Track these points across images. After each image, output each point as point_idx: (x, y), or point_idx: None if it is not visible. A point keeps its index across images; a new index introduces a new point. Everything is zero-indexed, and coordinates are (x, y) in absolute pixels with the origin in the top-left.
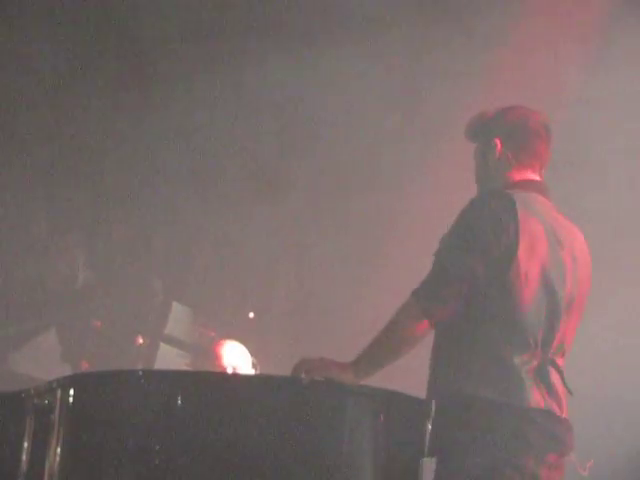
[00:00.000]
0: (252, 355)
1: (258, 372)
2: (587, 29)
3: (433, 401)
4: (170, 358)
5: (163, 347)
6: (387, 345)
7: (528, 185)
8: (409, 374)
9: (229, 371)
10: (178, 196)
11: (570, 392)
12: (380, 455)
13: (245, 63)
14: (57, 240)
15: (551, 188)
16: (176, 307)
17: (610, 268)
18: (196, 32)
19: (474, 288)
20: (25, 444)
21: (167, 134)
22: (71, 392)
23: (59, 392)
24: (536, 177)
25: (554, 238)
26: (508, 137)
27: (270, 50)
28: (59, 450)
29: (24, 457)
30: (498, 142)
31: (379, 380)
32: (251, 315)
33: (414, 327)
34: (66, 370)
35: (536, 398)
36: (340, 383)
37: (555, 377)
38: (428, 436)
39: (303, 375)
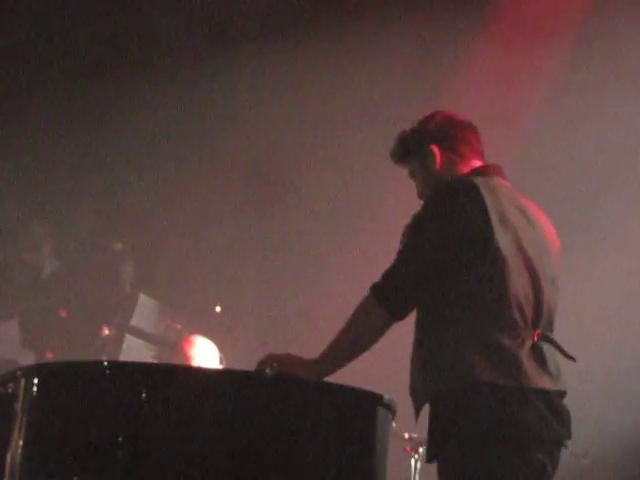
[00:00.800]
0: (218, 349)
1: (223, 366)
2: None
3: (420, 399)
4: (136, 350)
5: (129, 339)
6: (349, 340)
7: (484, 170)
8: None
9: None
10: (146, 189)
11: (573, 359)
12: (339, 452)
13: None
14: (23, 230)
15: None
16: (142, 299)
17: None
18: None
19: (454, 275)
20: None
21: (136, 125)
22: (35, 381)
23: (23, 381)
24: (484, 163)
25: (524, 217)
26: (442, 139)
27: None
28: (21, 440)
29: None
30: (434, 147)
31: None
32: (218, 309)
33: (374, 321)
34: (31, 359)
35: (535, 378)
36: (304, 378)
37: (550, 352)
38: (427, 436)
39: (268, 370)
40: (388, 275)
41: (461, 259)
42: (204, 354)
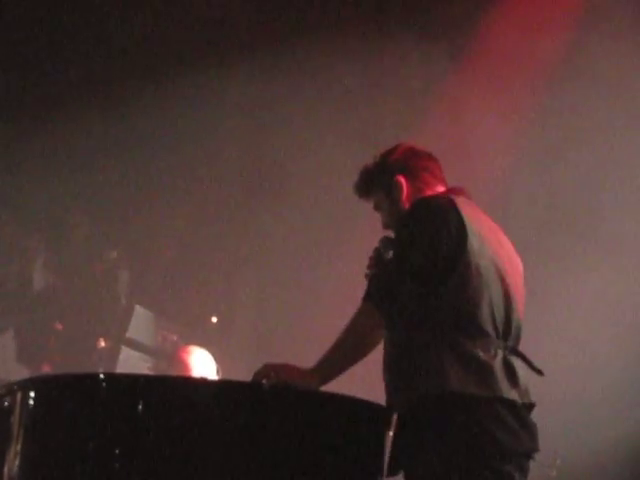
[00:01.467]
0: (215, 360)
1: (220, 377)
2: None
3: (395, 408)
4: (132, 362)
5: (125, 350)
6: (346, 348)
7: (452, 192)
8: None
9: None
10: (140, 200)
11: (541, 373)
12: (339, 462)
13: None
14: (16, 242)
15: None
16: (138, 311)
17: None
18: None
19: (428, 286)
20: None
21: (131, 136)
22: (31, 394)
23: (19, 394)
24: (448, 187)
25: (494, 235)
26: (407, 169)
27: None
28: (18, 454)
29: None
30: (400, 178)
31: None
32: (214, 320)
33: (370, 328)
34: (27, 373)
35: (506, 390)
36: (301, 388)
37: (518, 365)
38: (390, 447)
39: (265, 380)
40: (380, 282)
41: (441, 267)
42: (201, 364)
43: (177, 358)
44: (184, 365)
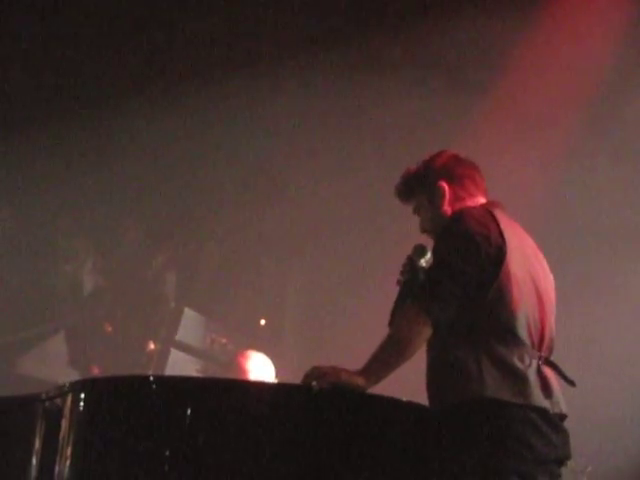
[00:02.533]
0: None
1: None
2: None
3: (436, 409)
4: (181, 364)
5: (174, 353)
6: (392, 350)
7: (491, 205)
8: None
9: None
10: (189, 203)
11: (573, 384)
12: (387, 462)
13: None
14: (65, 244)
15: None
16: (187, 313)
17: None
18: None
19: (469, 293)
20: (35, 448)
21: (175, 141)
22: (82, 396)
23: (70, 396)
24: (488, 200)
25: (529, 247)
26: (450, 176)
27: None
28: (69, 454)
29: (34, 461)
30: (444, 184)
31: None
32: (262, 322)
33: (417, 329)
34: (77, 374)
35: (540, 398)
36: (350, 390)
37: (550, 374)
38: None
39: (314, 383)
40: (426, 286)
41: (481, 277)
42: (259, 368)
43: (237, 362)
44: (242, 370)
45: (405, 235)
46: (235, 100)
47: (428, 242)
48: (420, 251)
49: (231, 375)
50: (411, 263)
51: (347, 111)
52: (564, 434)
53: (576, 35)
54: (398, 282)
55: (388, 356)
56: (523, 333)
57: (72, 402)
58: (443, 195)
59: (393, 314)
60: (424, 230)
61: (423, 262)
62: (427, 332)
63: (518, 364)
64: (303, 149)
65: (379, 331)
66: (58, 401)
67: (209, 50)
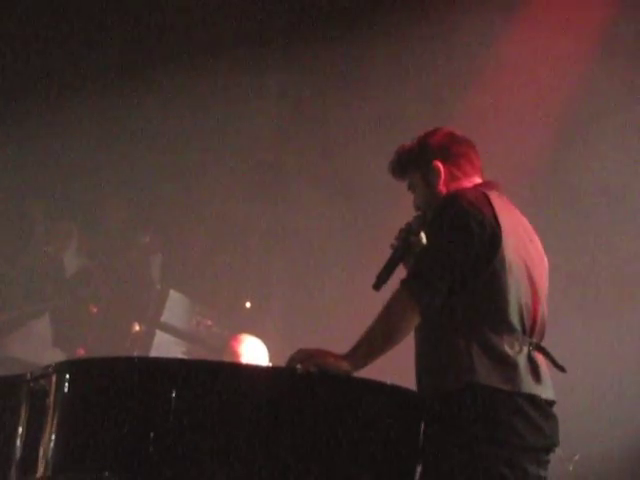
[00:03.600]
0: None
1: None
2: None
3: (423, 397)
4: (166, 346)
5: (159, 335)
6: (380, 334)
7: (486, 186)
8: (399, 369)
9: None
10: (174, 186)
11: (564, 370)
12: (375, 449)
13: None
14: (50, 227)
15: None
16: (173, 295)
17: None
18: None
19: (460, 279)
20: (20, 429)
21: (164, 123)
22: (67, 377)
23: (54, 377)
24: (484, 180)
25: (524, 231)
26: (446, 155)
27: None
28: (53, 436)
29: (18, 442)
30: (439, 163)
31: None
32: (248, 305)
33: (406, 315)
34: (62, 355)
35: (530, 385)
36: (335, 374)
37: (541, 360)
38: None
39: (299, 365)
40: (416, 270)
41: (474, 262)
42: (252, 352)
43: (229, 345)
44: (235, 353)
45: (394, 217)
46: (222, 83)
47: None
48: (420, 221)
49: (225, 358)
50: (408, 230)
51: (337, 97)
52: (553, 421)
53: (554, 33)
54: (391, 246)
55: (376, 340)
56: (515, 319)
57: (57, 383)
58: (438, 175)
59: (379, 277)
60: (417, 207)
61: (422, 235)
62: (416, 318)
63: (509, 350)
64: (292, 135)
65: (367, 313)
66: (43, 382)
67: (200, 34)
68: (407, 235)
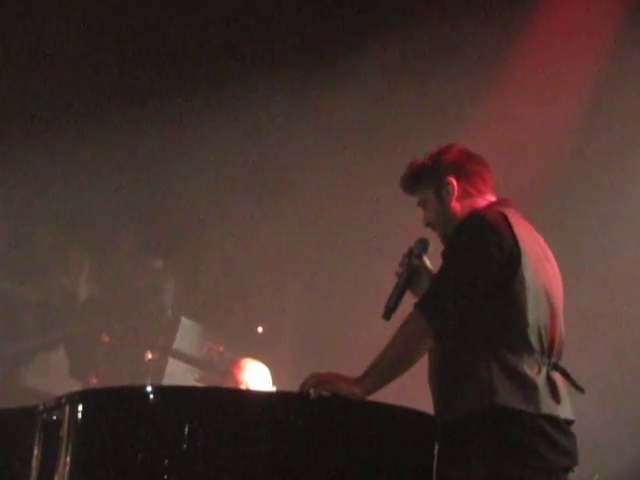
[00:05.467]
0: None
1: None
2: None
3: (442, 418)
4: (179, 373)
5: (172, 362)
6: (393, 358)
7: (502, 204)
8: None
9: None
10: (185, 212)
11: (582, 391)
12: (389, 473)
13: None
14: (60, 256)
15: None
16: (184, 322)
17: None
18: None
19: (479, 299)
20: (34, 460)
21: (176, 150)
22: (79, 408)
23: (67, 408)
24: (498, 198)
25: (541, 249)
26: (460, 172)
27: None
28: (68, 466)
29: (33, 474)
30: (453, 179)
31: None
32: (260, 330)
33: (419, 339)
34: (76, 385)
35: (550, 405)
36: (348, 398)
37: (559, 380)
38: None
39: (311, 390)
40: (431, 294)
41: (492, 284)
42: (255, 377)
43: (231, 372)
44: (238, 379)
45: (403, 242)
46: (234, 108)
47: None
48: (422, 244)
49: (228, 384)
50: (410, 255)
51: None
52: (573, 440)
53: (571, 33)
54: (396, 274)
55: (388, 364)
56: (534, 340)
57: (70, 413)
58: (452, 191)
59: (387, 306)
60: (428, 224)
61: (426, 258)
62: (429, 341)
63: (528, 371)
64: (302, 158)
65: (379, 336)
66: (56, 413)
67: (204, 53)
68: (410, 260)
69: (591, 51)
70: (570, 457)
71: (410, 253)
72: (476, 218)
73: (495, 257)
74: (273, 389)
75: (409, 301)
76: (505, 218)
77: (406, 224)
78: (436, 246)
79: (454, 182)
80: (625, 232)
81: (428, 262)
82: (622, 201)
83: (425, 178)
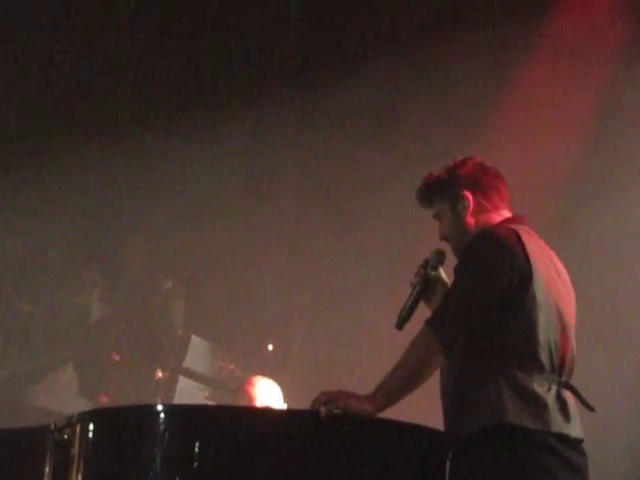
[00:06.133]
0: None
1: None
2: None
3: (452, 435)
4: (189, 392)
5: (182, 380)
6: (404, 375)
7: (516, 221)
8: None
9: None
10: (195, 231)
11: (592, 409)
12: None
13: None
14: (71, 275)
15: None
16: (195, 341)
17: None
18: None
19: (490, 317)
20: (45, 479)
21: (181, 167)
22: (90, 427)
23: (79, 427)
24: (513, 214)
25: (553, 267)
26: (475, 185)
27: None
28: None
29: None
30: (468, 193)
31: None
32: (270, 347)
33: (430, 356)
34: (86, 404)
35: (560, 424)
36: (359, 415)
37: (570, 399)
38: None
39: (322, 408)
40: (441, 311)
41: (503, 302)
42: (267, 394)
43: (242, 390)
44: (249, 396)
45: (418, 253)
46: (244, 131)
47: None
48: (438, 256)
49: (239, 402)
50: (426, 266)
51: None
52: (583, 458)
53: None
54: (410, 284)
55: (399, 381)
56: (544, 358)
57: (81, 433)
58: (467, 205)
59: (401, 316)
60: (444, 237)
61: (441, 270)
62: (440, 360)
63: (538, 389)
64: (304, 174)
65: (390, 353)
66: (67, 432)
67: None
68: (426, 272)
69: (594, 79)
70: (581, 475)
71: (426, 264)
72: (488, 235)
73: (506, 275)
74: (284, 407)
75: (423, 312)
76: (517, 235)
77: (418, 238)
78: (452, 258)
79: (470, 196)
80: (628, 249)
81: (444, 274)
82: (624, 219)
83: (441, 191)
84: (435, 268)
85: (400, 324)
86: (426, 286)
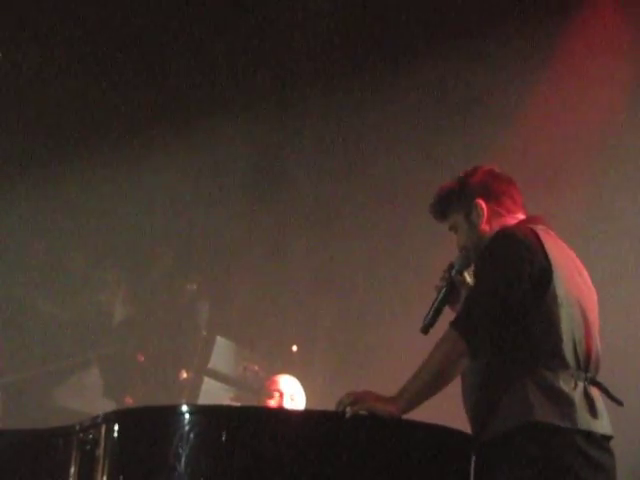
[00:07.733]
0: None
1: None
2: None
3: (479, 437)
4: (214, 392)
5: (207, 381)
6: (429, 377)
7: (532, 221)
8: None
9: (287, 402)
10: (219, 233)
11: (621, 403)
12: None
13: None
14: (95, 276)
15: None
16: (220, 341)
17: None
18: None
19: (511, 319)
20: (71, 479)
21: (206, 169)
22: (115, 427)
23: (104, 427)
24: (528, 215)
25: (573, 265)
26: (488, 193)
27: None
28: None
29: None
30: (481, 202)
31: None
32: (294, 348)
33: (455, 357)
34: (110, 404)
35: (587, 421)
36: (384, 416)
37: (597, 395)
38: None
39: (347, 409)
40: (466, 312)
41: (524, 300)
42: (290, 389)
43: (266, 388)
44: (273, 394)
45: (441, 258)
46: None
47: None
48: (464, 260)
49: (261, 400)
50: (451, 270)
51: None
52: (610, 457)
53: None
54: (436, 287)
55: (424, 383)
56: (569, 355)
57: (106, 433)
58: (481, 213)
59: (426, 320)
60: (462, 248)
61: (467, 274)
62: (465, 360)
63: (564, 387)
64: (336, 177)
65: (415, 354)
66: (92, 432)
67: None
68: (451, 275)
69: (605, 100)
70: (606, 474)
71: (451, 267)
72: (505, 235)
73: (526, 272)
74: (308, 408)
75: (449, 316)
76: (535, 234)
77: (442, 242)
78: None
79: (483, 204)
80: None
81: (469, 278)
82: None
83: (454, 203)
84: (460, 272)
85: (425, 328)
86: (451, 290)
